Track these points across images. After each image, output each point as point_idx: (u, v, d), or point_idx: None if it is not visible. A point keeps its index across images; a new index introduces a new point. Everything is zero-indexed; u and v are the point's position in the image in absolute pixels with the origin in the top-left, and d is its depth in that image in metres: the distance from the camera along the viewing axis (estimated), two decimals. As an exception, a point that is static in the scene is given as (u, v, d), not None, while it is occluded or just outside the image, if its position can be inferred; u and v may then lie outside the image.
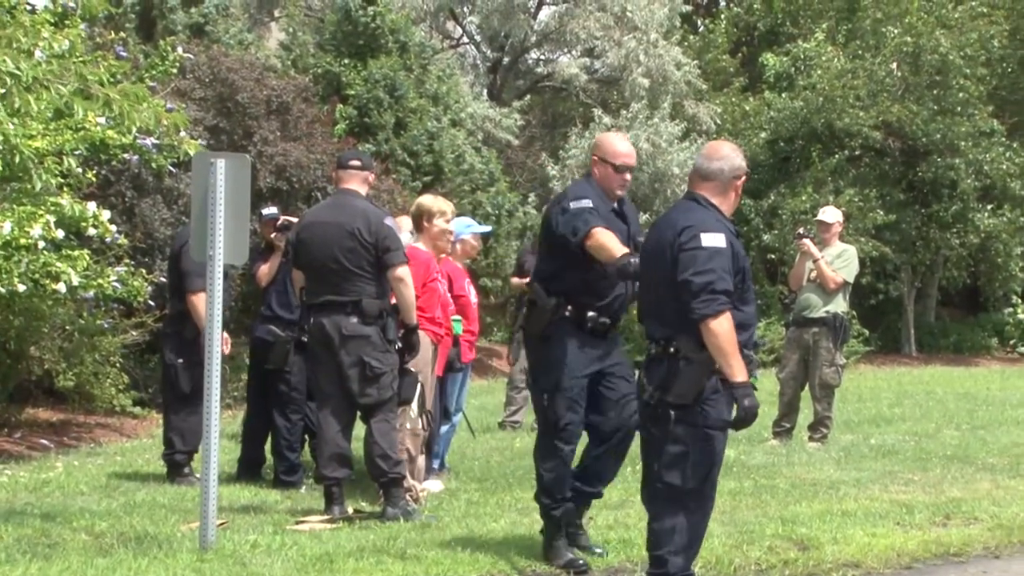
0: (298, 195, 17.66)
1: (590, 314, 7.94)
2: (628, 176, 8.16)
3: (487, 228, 14.48)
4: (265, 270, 11.64)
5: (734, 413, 6.44)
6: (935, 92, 30.42)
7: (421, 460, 10.45)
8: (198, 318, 10.82)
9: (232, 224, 8.45)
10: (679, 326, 6.39)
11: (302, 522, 9.34)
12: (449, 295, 10.92)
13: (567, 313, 7.92)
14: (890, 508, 10.14)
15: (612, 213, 8.07)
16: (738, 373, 6.32)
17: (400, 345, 9.65)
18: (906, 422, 16.49)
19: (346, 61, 23.65)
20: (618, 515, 9.64)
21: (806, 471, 12.01)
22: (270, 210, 12.14)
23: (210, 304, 8.48)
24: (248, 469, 11.60)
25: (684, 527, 6.55)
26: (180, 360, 11.18)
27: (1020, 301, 33.88)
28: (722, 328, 6.28)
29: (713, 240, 6.41)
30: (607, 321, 8.02)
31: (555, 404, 7.97)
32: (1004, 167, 30.29)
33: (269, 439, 11.58)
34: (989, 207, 30.95)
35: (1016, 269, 31.95)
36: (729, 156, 6.79)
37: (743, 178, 6.85)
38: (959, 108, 30.28)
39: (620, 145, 8.17)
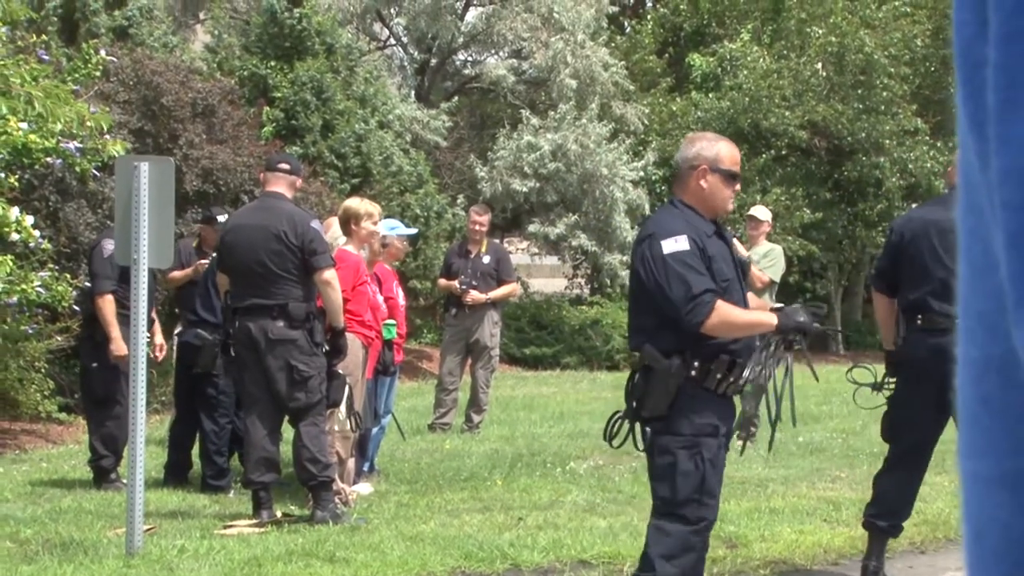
0: (225, 198, 17.54)
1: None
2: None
3: (413, 231, 14.48)
4: (178, 275, 11.71)
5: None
6: (860, 91, 30.63)
7: (351, 463, 10.43)
8: (104, 321, 10.78)
9: (156, 228, 8.41)
10: (645, 336, 6.18)
11: (230, 526, 9.29)
12: (380, 298, 10.90)
13: None
14: (817, 505, 10.20)
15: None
16: (766, 321, 6.32)
17: (328, 348, 9.63)
18: (833, 420, 16.61)
19: (272, 63, 23.54)
20: (548, 515, 9.64)
21: (734, 469, 12.04)
22: (223, 216, 12.06)
23: (135, 308, 8.42)
24: (175, 474, 11.53)
25: (678, 535, 6.22)
26: (94, 364, 11.11)
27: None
28: (721, 321, 6.06)
29: (674, 245, 6.11)
30: None
31: None
32: (928, 166, 30.53)
33: (197, 444, 11.52)
34: (914, 206, 31.20)
35: (940, 267, 32.22)
36: (684, 147, 6.48)
37: (702, 167, 6.28)
38: (883, 107, 30.49)
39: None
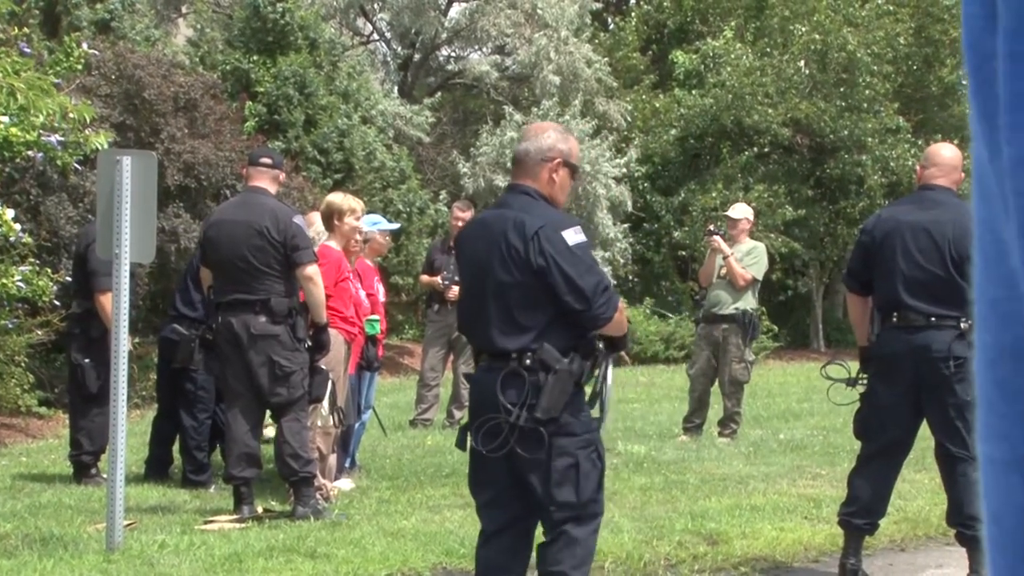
0: (207, 193, 17.54)
1: None
2: None
3: (395, 225, 14.46)
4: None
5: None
6: (842, 89, 30.71)
7: (332, 459, 10.42)
8: (106, 318, 10.73)
9: (139, 222, 8.39)
10: (537, 335, 5.92)
11: (211, 522, 9.28)
12: (363, 294, 10.89)
13: None
14: (798, 502, 10.21)
15: None
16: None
17: (311, 344, 9.63)
18: (814, 417, 16.63)
19: (255, 58, 23.51)
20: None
21: (716, 466, 12.07)
22: None
23: (116, 303, 8.41)
24: (156, 469, 11.51)
25: (585, 542, 6.07)
26: (87, 360, 11.08)
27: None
28: (619, 316, 6.07)
29: (575, 236, 5.97)
30: None
31: None
32: (910, 163, 30.57)
33: (178, 439, 11.51)
34: (893, 202, 31.27)
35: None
36: (535, 137, 6.22)
37: (557, 160, 6.12)
38: (866, 105, 30.58)
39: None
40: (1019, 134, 0.58)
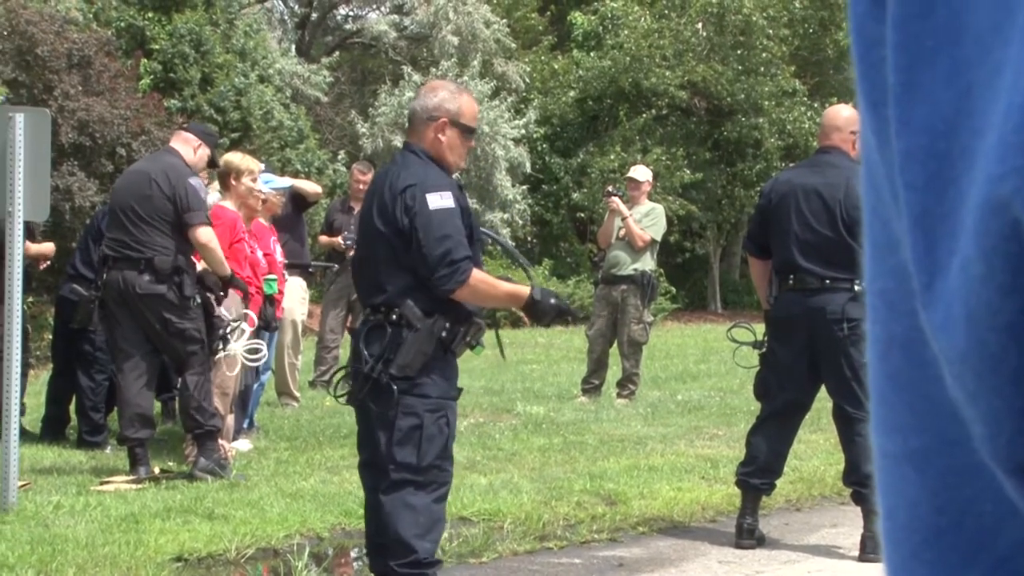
0: (101, 151, 17.34)
1: None
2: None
3: (287, 184, 14.32)
4: None
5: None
6: (739, 52, 30.87)
7: (230, 419, 10.37)
8: None
9: (32, 180, 8.28)
10: (402, 292, 5.87)
11: (107, 482, 9.20)
12: (259, 253, 10.82)
13: None
14: (695, 463, 10.30)
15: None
16: (519, 293, 6.14)
17: (200, 300, 9.57)
18: (711, 378, 16.77)
19: (150, 15, 23.25)
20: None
21: (614, 427, 12.14)
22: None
23: (10, 261, 8.29)
24: (53, 429, 11.40)
25: (425, 508, 5.93)
26: None
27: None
28: (474, 290, 5.89)
29: (439, 201, 5.85)
30: None
31: None
32: (806, 126, 30.85)
33: (74, 400, 11.40)
34: (791, 166, 31.53)
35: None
36: (424, 95, 6.15)
37: (443, 120, 6.02)
38: (762, 68, 30.76)
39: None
40: (908, 128, 0.57)
